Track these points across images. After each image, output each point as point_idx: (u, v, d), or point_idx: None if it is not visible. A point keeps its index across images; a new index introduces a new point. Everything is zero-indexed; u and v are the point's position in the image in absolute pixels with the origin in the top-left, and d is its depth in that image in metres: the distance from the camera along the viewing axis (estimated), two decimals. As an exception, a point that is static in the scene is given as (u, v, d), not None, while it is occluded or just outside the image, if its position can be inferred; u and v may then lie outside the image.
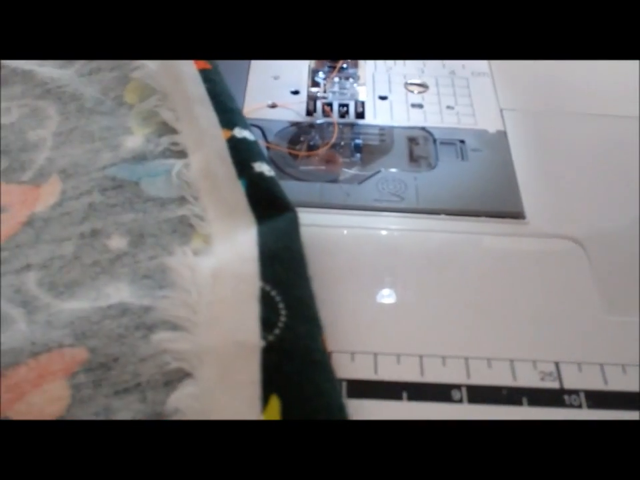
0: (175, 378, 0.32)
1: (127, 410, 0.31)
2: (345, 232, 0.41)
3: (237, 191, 0.39)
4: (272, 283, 0.34)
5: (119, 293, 0.35)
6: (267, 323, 0.33)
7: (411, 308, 0.37)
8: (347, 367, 0.34)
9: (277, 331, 0.32)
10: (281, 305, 0.33)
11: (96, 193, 0.40)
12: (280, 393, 0.31)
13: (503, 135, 0.48)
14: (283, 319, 0.33)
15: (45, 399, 0.31)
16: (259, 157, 0.40)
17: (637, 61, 0.53)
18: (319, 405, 0.31)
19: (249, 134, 0.42)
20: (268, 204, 0.38)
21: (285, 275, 0.35)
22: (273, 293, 0.34)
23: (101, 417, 0.31)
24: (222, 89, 0.45)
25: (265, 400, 0.30)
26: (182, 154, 0.42)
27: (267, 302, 0.33)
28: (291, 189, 0.40)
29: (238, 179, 0.39)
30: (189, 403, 0.31)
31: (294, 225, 0.38)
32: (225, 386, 0.31)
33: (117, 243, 0.38)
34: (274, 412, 0.30)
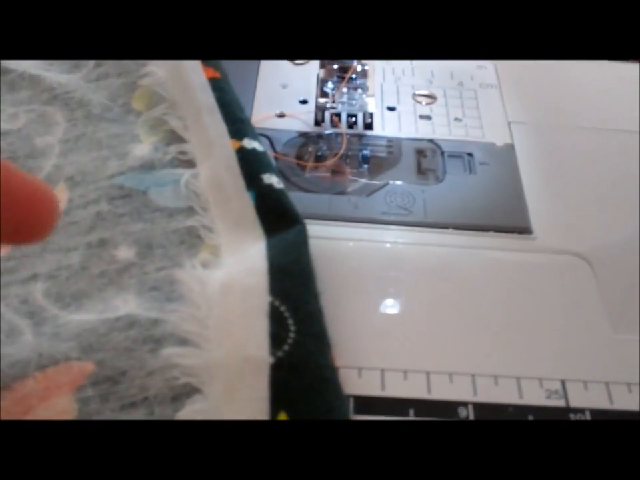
0: (182, 392, 0.32)
1: None
2: (352, 244, 0.41)
3: (245, 203, 0.39)
4: (281, 297, 0.34)
5: (127, 304, 0.35)
6: (276, 338, 0.32)
7: (417, 323, 0.37)
8: (354, 383, 0.34)
9: (286, 347, 0.32)
10: (290, 321, 0.33)
11: (103, 202, 0.40)
12: (288, 410, 0.31)
13: (510, 148, 0.48)
14: (292, 334, 0.33)
15: (51, 413, 0.31)
16: (269, 169, 0.40)
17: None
18: None
19: (258, 145, 0.42)
20: (277, 216, 0.38)
21: (295, 289, 0.34)
22: (282, 308, 0.34)
23: None
24: (231, 98, 0.45)
25: (273, 416, 0.30)
26: (190, 163, 0.42)
27: (276, 317, 0.33)
28: (298, 200, 0.40)
29: (247, 191, 0.39)
30: (196, 419, 0.30)
31: (303, 238, 0.38)
32: (233, 402, 0.31)
33: (125, 253, 0.37)
34: None
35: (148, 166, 0.42)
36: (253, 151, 0.41)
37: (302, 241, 0.37)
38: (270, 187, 0.39)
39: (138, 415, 0.31)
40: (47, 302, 0.35)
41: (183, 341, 0.33)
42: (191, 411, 0.31)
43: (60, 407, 0.31)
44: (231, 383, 0.31)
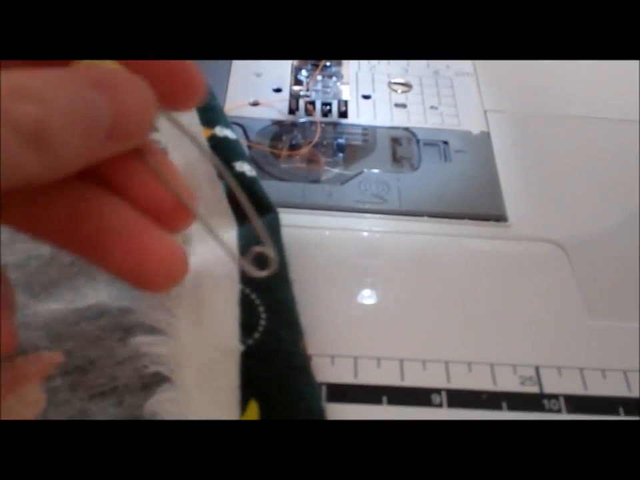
0: (152, 382, 0.31)
1: (103, 414, 0.31)
2: (327, 233, 0.40)
3: (217, 191, 0.39)
4: (252, 286, 0.34)
5: (97, 293, 0.35)
6: (247, 326, 0.32)
7: (391, 311, 0.37)
8: (327, 371, 0.33)
9: (256, 335, 0.32)
10: (261, 309, 0.33)
11: None
12: (259, 398, 0.30)
13: (486, 136, 0.48)
14: (263, 322, 0.33)
15: (20, 403, 0.31)
16: (241, 157, 0.40)
17: (623, 63, 0.53)
18: (299, 410, 0.31)
19: (231, 133, 0.41)
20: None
21: (266, 278, 0.34)
22: (253, 296, 0.33)
23: None
24: None
25: (244, 405, 0.30)
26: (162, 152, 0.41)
27: (246, 305, 0.33)
28: (272, 188, 0.40)
29: (219, 179, 0.39)
30: (166, 407, 0.30)
31: (275, 226, 0.37)
32: (203, 391, 0.31)
33: None
34: (252, 417, 0.30)
35: None
36: (225, 139, 0.41)
37: (274, 229, 0.37)
38: (242, 175, 0.39)
39: (107, 404, 0.31)
40: (17, 290, 0.35)
41: (153, 330, 0.33)
42: (160, 400, 0.30)
43: (29, 396, 0.31)
44: (201, 371, 0.31)
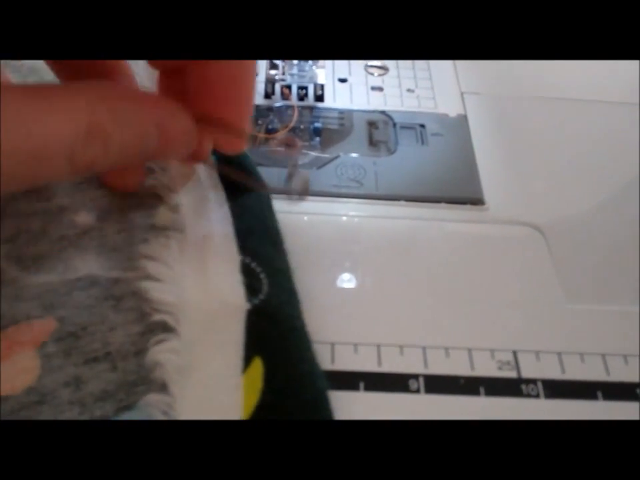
0: (145, 348, 0.32)
1: (97, 379, 0.31)
2: (305, 218, 0.40)
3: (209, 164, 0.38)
4: (251, 255, 0.34)
5: (87, 265, 0.35)
6: (251, 289, 0.33)
7: (368, 296, 0.36)
8: (304, 357, 0.33)
9: (261, 296, 0.32)
10: (262, 275, 0.33)
11: None
12: (263, 356, 0.31)
13: (463, 119, 0.47)
14: (265, 287, 0.33)
15: (15, 370, 0.31)
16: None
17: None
18: (302, 371, 0.31)
19: None
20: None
21: (263, 249, 0.35)
22: (253, 264, 0.34)
23: (72, 387, 0.31)
24: None
25: (248, 361, 0.30)
26: None
27: (248, 272, 0.33)
28: (249, 173, 0.39)
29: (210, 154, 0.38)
30: (169, 357, 0.30)
31: (266, 200, 0.38)
32: (207, 343, 0.31)
33: (84, 218, 0.37)
34: (256, 374, 0.30)
35: None
36: None
37: (265, 203, 0.38)
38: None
39: (101, 369, 0.32)
40: (7, 264, 0.35)
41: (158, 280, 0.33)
42: (164, 349, 0.31)
43: (23, 363, 0.31)
44: (206, 324, 0.32)
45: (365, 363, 0.33)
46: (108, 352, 0.32)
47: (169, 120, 0.31)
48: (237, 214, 0.36)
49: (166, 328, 0.32)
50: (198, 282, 0.33)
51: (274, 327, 0.32)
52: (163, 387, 0.30)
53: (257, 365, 0.30)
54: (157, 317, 0.32)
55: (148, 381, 0.31)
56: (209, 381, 0.30)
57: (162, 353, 0.31)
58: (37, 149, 0.26)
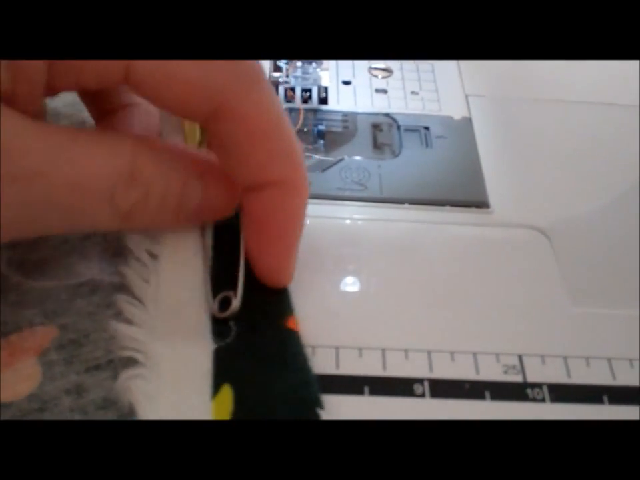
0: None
1: (99, 387, 0.31)
2: (308, 221, 0.40)
3: None
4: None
5: (89, 271, 0.35)
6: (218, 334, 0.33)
7: (373, 300, 0.36)
8: (308, 362, 0.33)
9: (228, 340, 0.32)
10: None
11: None
12: (232, 383, 0.31)
13: (468, 121, 0.47)
14: (233, 331, 0.33)
15: (17, 377, 0.31)
16: None
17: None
18: (276, 391, 0.31)
19: None
20: None
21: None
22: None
23: (73, 395, 0.31)
24: None
25: (217, 388, 0.30)
26: None
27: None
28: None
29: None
30: (137, 383, 0.30)
31: None
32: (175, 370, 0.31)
33: None
34: (226, 397, 0.30)
35: None
36: None
37: None
38: None
39: (103, 377, 0.32)
40: (9, 270, 0.35)
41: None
42: (131, 375, 0.30)
43: (25, 371, 0.32)
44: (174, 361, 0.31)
45: (369, 367, 0.33)
46: (110, 360, 0.32)
47: (212, 175, 0.32)
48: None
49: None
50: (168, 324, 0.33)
51: (242, 358, 0.32)
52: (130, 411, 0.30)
53: (226, 391, 0.30)
54: (126, 354, 0.32)
55: None
56: (178, 405, 0.30)
57: (130, 380, 0.30)
58: (81, 185, 0.27)
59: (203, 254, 0.35)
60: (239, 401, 0.30)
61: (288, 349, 0.32)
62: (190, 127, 0.38)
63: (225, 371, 0.31)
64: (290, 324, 0.33)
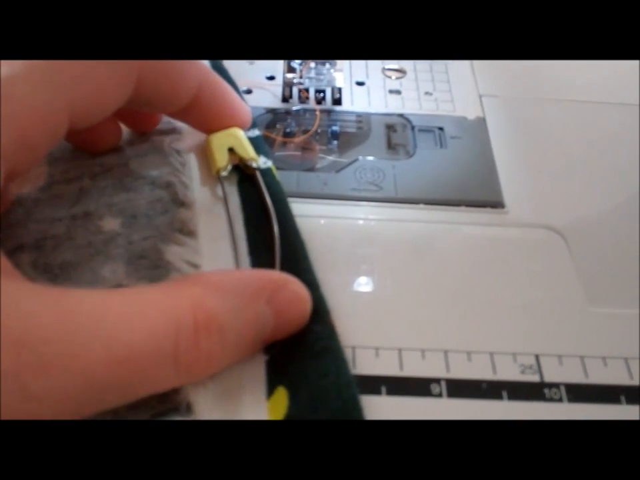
0: None
1: None
2: (322, 222, 0.40)
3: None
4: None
5: (115, 275, 0.34)
6: None
7: (389, 300, 0.36)
8: (325, 362, 0.33)
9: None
10: None
11: (86, 179, 0.39)
12: (286, 384, 0.31)
13: (482, 121, 0.47)
14: None
15: None
16: (260, 150, 0.40)
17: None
18: (326, 384, 0.30)
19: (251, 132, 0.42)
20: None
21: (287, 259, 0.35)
22: None
23: None
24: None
25: (271, 390, 0.31)
26: (175, 131, 0.42)
27: None
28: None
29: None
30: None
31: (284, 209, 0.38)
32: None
33: (110, 224, 0.37)
34: (281, 397, 0.30)
35: (127, 142, 0.41)
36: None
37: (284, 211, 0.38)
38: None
39: None
40: (35, 273, 0.34)
41: None
42: None
43: None
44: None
45: (386, 367, 0.33)
46: None
47: (280, 293, 0.30)
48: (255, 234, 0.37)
49: None
50: None
51: (294, 357, 0.31)
52: (187, 408, 0.30)
53: (281, 392, 0.30)
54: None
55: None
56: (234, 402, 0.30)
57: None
58: (132, 355, 0.25)
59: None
60: (293, 396, 0.30)
61: (336, 345, 0.32)
62: (218, 151, 0.39)
63: (277, 374, 0.31)
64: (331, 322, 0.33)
